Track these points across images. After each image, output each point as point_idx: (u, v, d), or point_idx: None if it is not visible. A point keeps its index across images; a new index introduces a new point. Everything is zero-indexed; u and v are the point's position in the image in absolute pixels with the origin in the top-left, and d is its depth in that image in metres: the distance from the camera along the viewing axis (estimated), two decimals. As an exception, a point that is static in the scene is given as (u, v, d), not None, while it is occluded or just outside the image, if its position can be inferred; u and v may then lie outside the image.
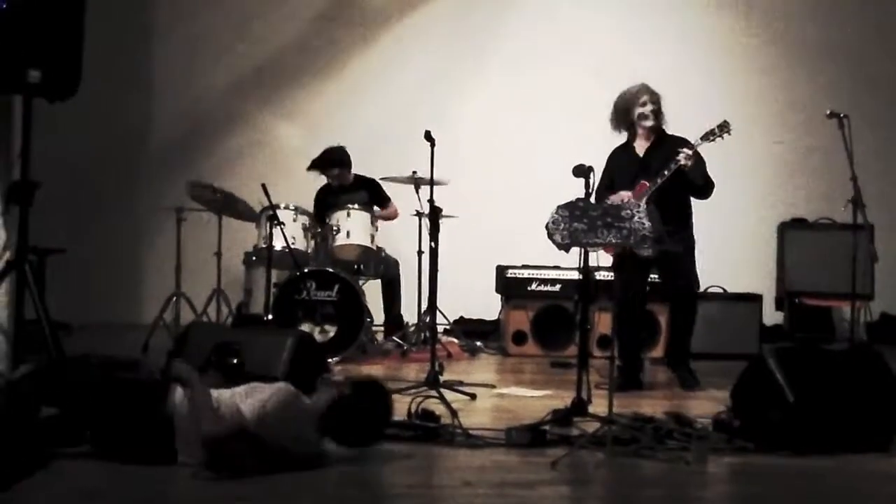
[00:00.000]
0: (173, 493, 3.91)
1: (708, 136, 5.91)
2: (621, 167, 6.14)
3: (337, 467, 4.24)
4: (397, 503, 3.86)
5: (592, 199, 5.21)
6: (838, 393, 4.69)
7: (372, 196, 7.80)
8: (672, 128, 6.23)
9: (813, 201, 8.70)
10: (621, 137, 6.32)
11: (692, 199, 6.16)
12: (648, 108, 6.06)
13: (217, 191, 7.33)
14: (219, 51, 9.17)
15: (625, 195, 5.89)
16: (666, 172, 5.84)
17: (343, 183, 7.91)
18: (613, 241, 4.58)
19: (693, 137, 5.98)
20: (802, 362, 4.81)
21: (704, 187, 6.00)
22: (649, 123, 6.05)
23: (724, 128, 5.91)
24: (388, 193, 7.96)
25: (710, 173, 6.05)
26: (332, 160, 7.83)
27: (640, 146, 6.14)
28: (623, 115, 6.14)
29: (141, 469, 4.08)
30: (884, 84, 9.06)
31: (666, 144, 6.04)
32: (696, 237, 6.18)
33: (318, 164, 7.85)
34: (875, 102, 8.80)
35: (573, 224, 4.59)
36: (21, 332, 5.71)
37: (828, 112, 6.15)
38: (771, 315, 8.38)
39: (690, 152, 5.83)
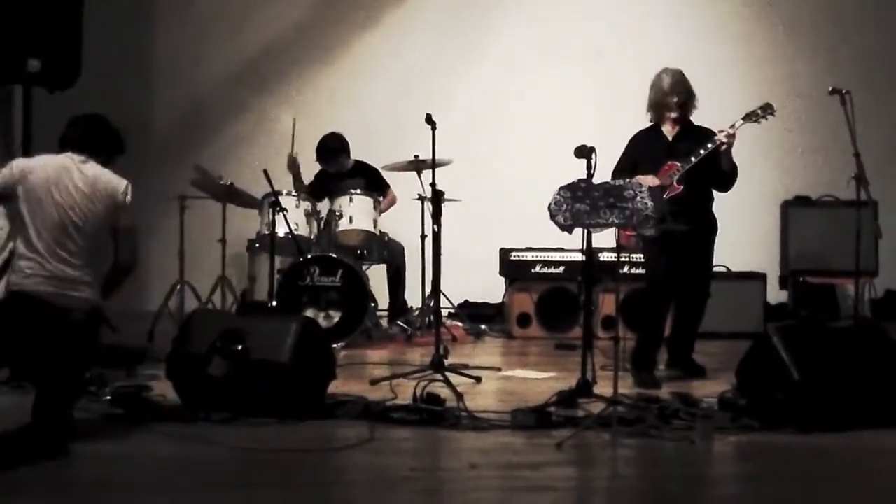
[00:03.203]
0: (182, 482, 3.92)
1: (750, 117, 5.81)
2: (648, 149, 5.95)
3: (342, 451, 4.25)
4: (403, 486, 3.87)
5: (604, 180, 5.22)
6: (843, 370, 4.69)
7: (370, 182, 7.77)
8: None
9: (816, 178, 8.66)
10: (628, 117, 6.26)
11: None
12: (673, 100, 5.88)
13: (218, 178, 7.34)
14: (219, 38, 9.15)
15: (649, 180, 5.66)
16: (702, 151, 5.70)
17: (342, 169, 7.89)
18: (616, 221, 4.58)
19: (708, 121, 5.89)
20: (807, 340, 4.81)
21: (730, 175, 5.83)
22: (674, 115, 5.91)
23: (767, 109, 5.82)
24: (389, 179, 7.94)
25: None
26: (332, 149, 7.81)
27: (668, 131, 5.97)
28: (653, 100, 5.97)
29: (147, 458, 4.11)
30: (886, 59, 9.01)
31: (694, 133, 5.90)
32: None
33: (319, 157, 7.83)
34: (877, 78, 8.75)
35: (575, 205, 4.59)
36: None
37: (830, 89, 6.11)
38: (775, 294, 8.36)
39: (731, 131, 5.69)
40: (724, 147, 5.69)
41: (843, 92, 6.04)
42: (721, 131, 5.72)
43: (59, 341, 4.26)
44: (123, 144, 4.68)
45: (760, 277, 7.93)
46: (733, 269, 7.85)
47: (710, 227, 5.96)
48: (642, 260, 7.62)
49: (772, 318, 7.70)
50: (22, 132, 5.86)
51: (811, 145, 8.92)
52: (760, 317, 7.71)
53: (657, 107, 5.95)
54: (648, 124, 6.06)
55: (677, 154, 5.83)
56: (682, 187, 5.74)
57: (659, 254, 5.85)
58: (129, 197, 4.50)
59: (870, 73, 8.67)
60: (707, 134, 5.85)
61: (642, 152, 5.96)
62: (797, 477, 4.05)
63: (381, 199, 7.61)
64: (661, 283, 5.90)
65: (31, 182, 4.33)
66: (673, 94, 5.87)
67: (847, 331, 5.34)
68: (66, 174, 4.36)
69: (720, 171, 5.80)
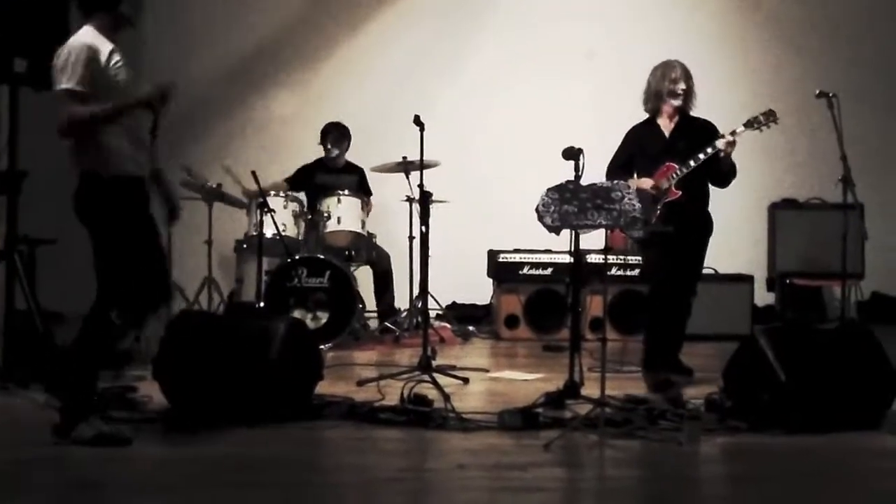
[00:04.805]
0: (169, 481, 3.91)
1: (752, 124, 5.72)
2: (645, 145, 5.84)
3: (330, 452, 4.24)
4: (390, 487, 3.86)
5: (603, 177, 5.20)
6: (830, 372, 4.71)
7: (360, 183, 7.83)
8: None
9: (803, 181, 8.70)
10: (617, 119, 6.14)
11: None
12: (680, 87, 5.75)
13: (204, 181, 7.34)
14: (209, 39, 9.12)
15: (644, 182, 5.67)
16: (701, 156, 5.62)
17: (339, 162, 7.93)
18: (603, 223, 4.58)
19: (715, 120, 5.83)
20: (794, 342, 4.82)
21: (727, 174, 5.76)
22: (677, 102, 5.76)
23: (770, 116, 5.73)
24: (374, 182, 7.96)
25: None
26: (343, 133, 7.86)
27: (665, 125, 5.84)
28: (655, 88, 5.81)
29: (136, 459, 4.10)
30: (873, 63, 9.05)
31: (693, 127, 5.81)
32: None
33: (333, 133, 7.86)
34: (864, 81, 8.79)
35: (563, 206, 4.59)
36: (12, 323, 5.72)
37: (817, 92, 6.12)
38: (762, 296, 8.39)
39: (732, 138, 5.61)
40: (724, 154, 5.63)
41: (830, 95, 6.05)
42: (721, 136, 5.64)
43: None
44: None
45: (748, 280, 7.95)
46: (721, 271, 7.87)
47: (706, 227, 5.88)
48: (631, 262, 7.69)
49: (759, 320, 7.73)
50: (8, 131, 5.82)
51: (798, 148, 8.95)
52: (748, 319, 7.73)
53: (658, 95, 5.80)
54: (640, 121, 5.96)
55: (675, 151, 5.75)
56: (680, 192, 5.70)
57: (659, 257, 5.77)
58: (65, 58, 4.23)
59: (856, 76, 8.71)
60: (705, 126, 5.78)
61: (639, 148, 5.87)
62: (783, 477, 4.05)
63: (368, 200, 7.64)
64: (665, 285, 5.76)
65: None
66: (681, 81, 5.75)
67: (833, 333, 5.36)
68: None
69: (719, 172, 5.74)
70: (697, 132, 5.77)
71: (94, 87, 4.24)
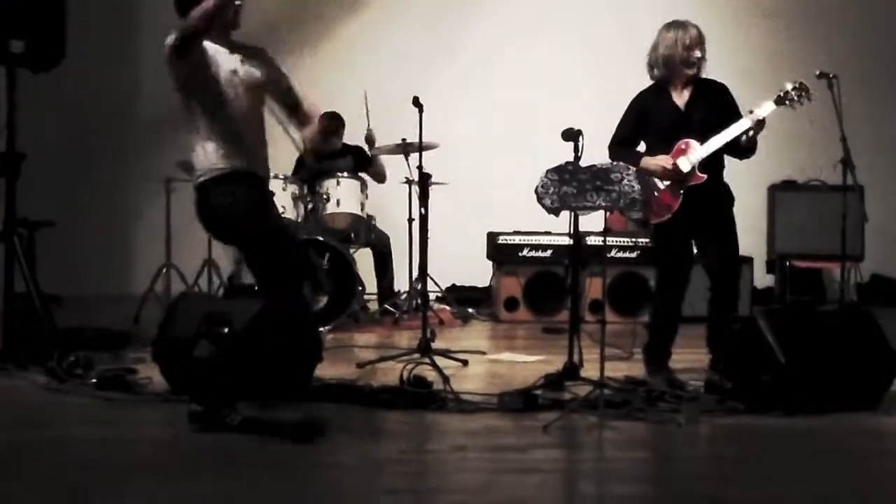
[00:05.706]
0: (166, 463, 3.92)
1: (783, 101, 5.24)
2: (657, 117, 5.26)
3: (328, 435, 4.25)
4: (390, 469, 3.87)
5: (603, 157, 5.09)
6: (829, 354, 4.71)
7: (357, 161, 7.79)
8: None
9: (802, 163, 8.67)
10: (616, 99, 5.60)
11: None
12: (696, 55, 5.16)
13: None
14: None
15: (662, 161, 5.19)
16: (726, 137, 5.11)
17: (334, 148, 7.90)
18: (602, 204, 4.56)
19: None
20: (793, 324, 4.83)
21: (747, 151, 5.27)
22: (691, 72, 5.19)
23: (801, 91, 5.25)
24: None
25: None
26: (339, 123, 7.82)
27: (677, 96, 5.27)
28: (661, 53, 5.20)
29: (135, 441, 4.11)
30: (873, 44, 9.03)
31: (708, 96, 5.26)
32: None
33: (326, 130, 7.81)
34: (865, 63, 8.76)
35: (562, 188, 4.58)
36: (11, 305, 5.72)
37: (817, 73, 6.09)
38: (762, 278, 8.38)
39: (762, 116, 5.14)
40: (752, 133, 5.20)
41: (831, 76, 6.02)
42: (750, 112, 5.18)
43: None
44: None
45: (747, 261, 7.91)
46: (720, 252, 7.85)
47: (728, 198, 5.41)
48: (630, 244, 7.68)
49: (758, 302, 7.73)
50: (6, 113, 5.81)
51: (798, 129, 8.89)
52: (747, 301, 7.72)
53: (669, 63, 5.20)
54: (646, 87, 5.43)
55: (691, 126, 5.21)
56: (706, 176, 5.22)
57: (672, 239, 5.32)
58: (167, 45, 4.37)
59: (856, 57, 8.68)
60: (721, 91, 5.32)
61: (650, 119, 5.31)
62: (781, 458, 4.06)
63: (369, 174, 7.63)
64: (676, 272, 5.34)
65: None
66: (696, 48, 5.17)
67: (833, 315, 5.35)
68: None
69: (737, 147, 5.27)
70: (714, 102, 5.26)
71: (193, 76, 4.42)
